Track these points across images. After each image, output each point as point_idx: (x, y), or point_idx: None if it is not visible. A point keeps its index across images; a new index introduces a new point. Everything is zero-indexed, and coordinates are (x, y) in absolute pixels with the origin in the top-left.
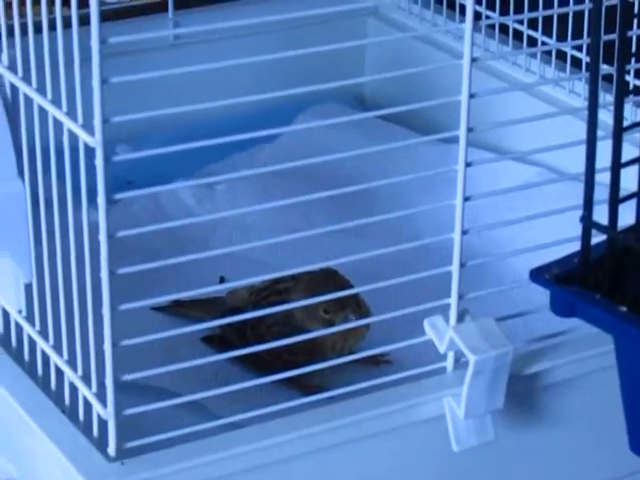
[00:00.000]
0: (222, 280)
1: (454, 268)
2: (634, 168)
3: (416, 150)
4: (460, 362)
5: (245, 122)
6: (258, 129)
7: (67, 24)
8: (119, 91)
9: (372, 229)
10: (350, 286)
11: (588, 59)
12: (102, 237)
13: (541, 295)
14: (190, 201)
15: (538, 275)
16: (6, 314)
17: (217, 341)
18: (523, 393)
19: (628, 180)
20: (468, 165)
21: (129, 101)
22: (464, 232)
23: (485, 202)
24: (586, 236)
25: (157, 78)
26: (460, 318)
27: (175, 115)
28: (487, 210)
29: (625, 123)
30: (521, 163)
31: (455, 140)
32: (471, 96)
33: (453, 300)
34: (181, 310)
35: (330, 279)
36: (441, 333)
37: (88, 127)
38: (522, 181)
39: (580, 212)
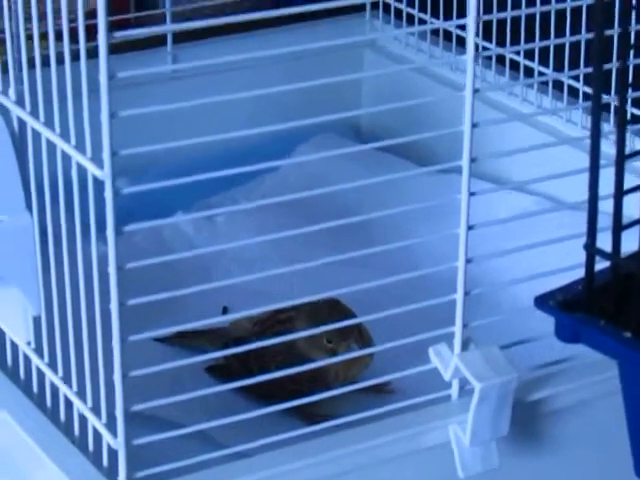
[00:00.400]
0: (225, 311)
1: (458, 296)
2: (634, 196)
3: (415, 181)
4: (465, 390)
5: (244, 154)
6: (258, 161)
7: (72, 57)
8: (119, 124)
9: (372, 260)
10: (353, 315)
11: (585, 88)
12: (112, 269)
13: (542, 323)
14: (191, 232)
15: (543, 302)
16: (14, 346)
17: (221, 371)
18: (527, 419)
19: (630, 208)
20: (472, 194)
21: (129, 134)
22: (468, 260)
23: (483, 232)
24: (590, 263)
25: (157, 111)
26: (464, 346)
27: (174, 148)
28: (485, 240)
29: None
30: (519, 192)
31: (453, 170)
32: (474, 126)
33: (458, 328)
34: (184, 341)
35: (333, 308)
36: (446, 361)
37: (97, 160)
38: (519, 210)
39: (579, 240)
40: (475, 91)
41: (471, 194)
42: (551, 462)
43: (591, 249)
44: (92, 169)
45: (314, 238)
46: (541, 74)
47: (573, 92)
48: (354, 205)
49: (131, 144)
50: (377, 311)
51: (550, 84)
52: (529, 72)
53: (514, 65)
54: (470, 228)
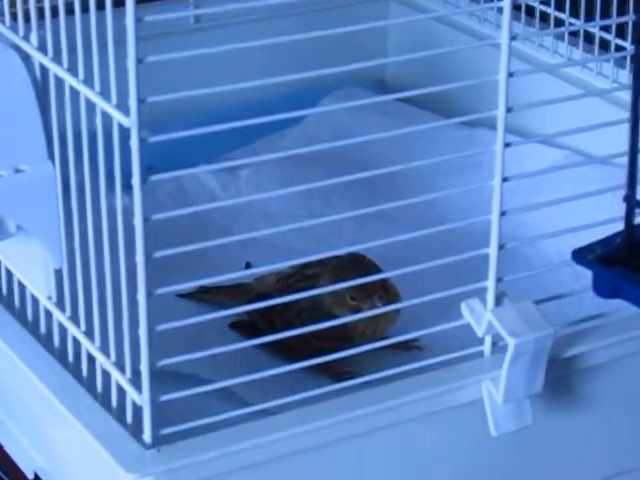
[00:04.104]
0: (248, 266)
1: (492, 250)
2: None
3: (443, 134)
4: (498, 346)
5: (268, 108)
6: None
7: (98, 6)
8: (144, 73)
9: (398, 214)
10: (378, 271)
11: (617, 41)
12: (138, 219)
13: (571, 278)
14: (214, 187)
15: (581, 256)
16: (35, 301)
17: (245, 327)
18: (562, 377)
19: None
20: (507, 146)
21: (152, 85)
22: (502, 213)
23: (511, 186)
24: (629, 215)
25: (179, 61)
26: (498, 301)
27: (196, 100)
28: (513, 195)
29: None
30: (548, 146)
31: (480, 124)
32: (510, 75)
33: (491, 283)
34: (207, 297)
35: (357, 264)
36: (479, 316)
37: (122, 107)
38: (548, 165)
39: (611, 195)
40: (512, 38)
41: (506, 145)
42: (585, 420)
43: (631, 201)
44: (118, 116)
45: (340, 192)
46: (571, 25)
47: (604, 46)
48: (381, 158)
49: (155, 95)
50: (405, 266)
51: (581, 36)
52: (560, 25)
53: (544, 18)
54: (504, 180)
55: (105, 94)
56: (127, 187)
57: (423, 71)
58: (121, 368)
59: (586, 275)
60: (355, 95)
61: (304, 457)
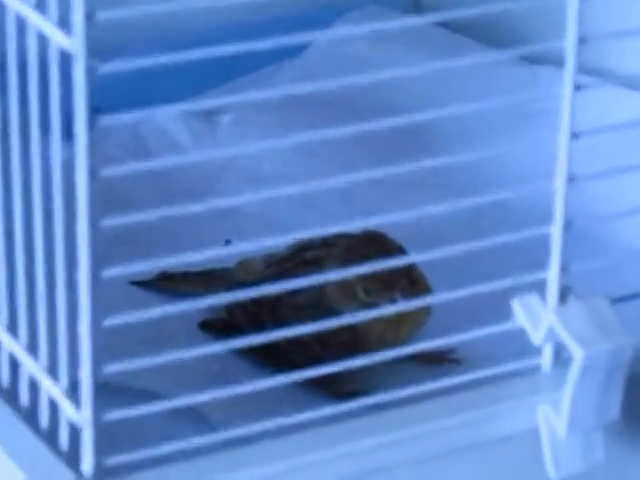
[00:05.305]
0: (227, 244)
1: (555, 229)
2: None
3: (492, 71)
4: (560, 358)
5: (259, 31)
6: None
7: None
8: None
9: (430, 179)
10: (402, 254)
11: None
12: (81, 176)
13: None
14: (183, 136)
15: None
16: None
17: (221, 327)
18: None
19: None
20: (577, 89)
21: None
22: (570, 179)
23: (583, 145)
24: None
25: None
26: (562, 298)
27: (162, 18)
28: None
29: None
30: (635, 91)
31: (545, 60)
32: None
33: (553, 273)
34: (170, 284)
35: (374, 245)
36: (536, 318)
37: (64, 25)
38: (635, 115)
39: None
40: None
41: (577, 88)
42: None
43: None
44: (57, 37)
45: (353, 147)
46: None
47: None
48: (406, 102)
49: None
50: (433, 247)
51: None
52: None
53: None
54: (574, 137)
55: (41, 7)
56: (68, 134)
57: None
58: (54, 376)
59: None
60: (378, 17)
61: None
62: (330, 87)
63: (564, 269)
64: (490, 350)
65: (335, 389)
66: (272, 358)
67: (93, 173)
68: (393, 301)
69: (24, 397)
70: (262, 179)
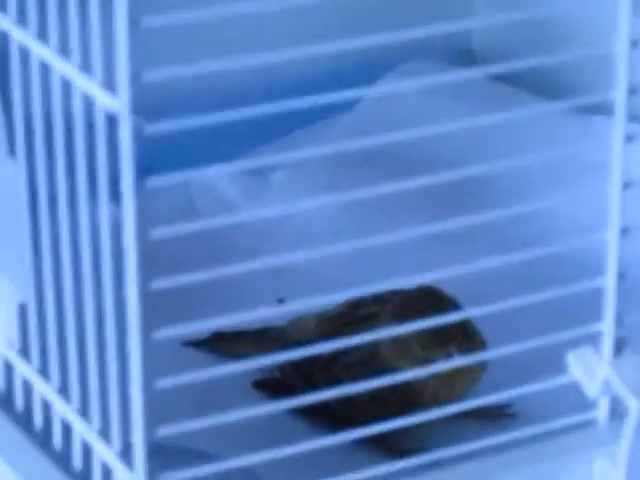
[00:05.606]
0: (280, 303)
1: (609, 280)
2: None
3: (545, 124)
4: (617, 412)
5: (308, 87)
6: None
7: None
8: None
9: (479, 231)
10: (457, 309)
11: None
12: (130, 238)
13: None
14: (235, 194)
15: None
16: None
17: (274, 386)
18: None
19: None
20: (629, 139)
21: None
22: (623, 230)
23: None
24: None
25: (185, 25)
26: (617, 350)
27: (209, 78)
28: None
29: None
30: None
31: (599, 110)
32: (633, 45)
33: (608, 325)
34: (224, 345)
35: (428, 300)
36: (592, 371)
37: (109, 86)
38: None
39: None
40: None
41: (628, 138)
42: None
43: None
44: (103, 98)
45: (407, 202)
46: None
47: None
48: (458, 156)
49: (153, 69)
50: (485, 302)
51: None
52: None
53: None
54: (626, 186)
55: (86, 68)
56: (116, 195)
57: (520, 39)
58: (107, 439)
59: None
60: (428, 70)
61: None
62: (384, 142)
63: (618, 321)
64: (545, 404)
65: (390, 447)
66: (326, 417)
67: (142, 235)
68: (449, 356)
69: (77, 461)
70: (313, 236)
